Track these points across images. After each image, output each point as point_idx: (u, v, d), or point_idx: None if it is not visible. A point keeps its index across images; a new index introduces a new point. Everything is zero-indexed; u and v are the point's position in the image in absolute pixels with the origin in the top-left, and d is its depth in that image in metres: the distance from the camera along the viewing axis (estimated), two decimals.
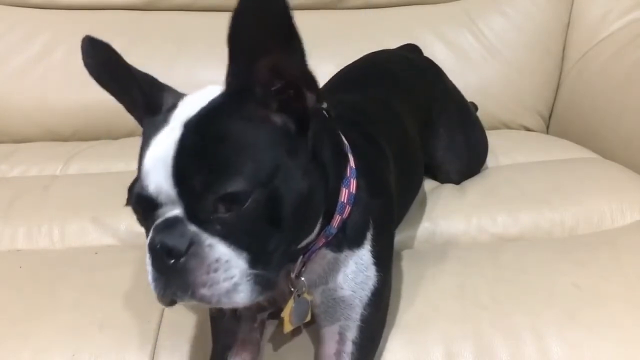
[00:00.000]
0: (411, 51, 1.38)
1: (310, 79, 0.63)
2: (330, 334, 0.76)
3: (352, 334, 0.75)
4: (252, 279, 0.61)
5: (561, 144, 1.43)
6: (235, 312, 0.79)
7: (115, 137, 1.57)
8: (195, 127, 0.62)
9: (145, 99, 0.70)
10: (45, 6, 1.68)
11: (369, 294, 0.76)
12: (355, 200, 0.75)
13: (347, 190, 0.73)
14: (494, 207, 1.08)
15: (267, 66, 0.61)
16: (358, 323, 0.75)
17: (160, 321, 0.85)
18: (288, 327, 0.76)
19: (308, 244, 0.72)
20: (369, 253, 0.77)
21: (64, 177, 1.33)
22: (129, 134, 1.57)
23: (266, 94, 0.63)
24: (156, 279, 0.62)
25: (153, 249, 0.61)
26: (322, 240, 0.73)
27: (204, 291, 0.60)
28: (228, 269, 0.60)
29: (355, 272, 0.76)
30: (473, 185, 1.18)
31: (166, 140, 0.62)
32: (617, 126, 1.35)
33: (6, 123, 1.60)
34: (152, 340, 0.82)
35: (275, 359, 0.80)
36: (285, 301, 0.76)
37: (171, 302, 0.63)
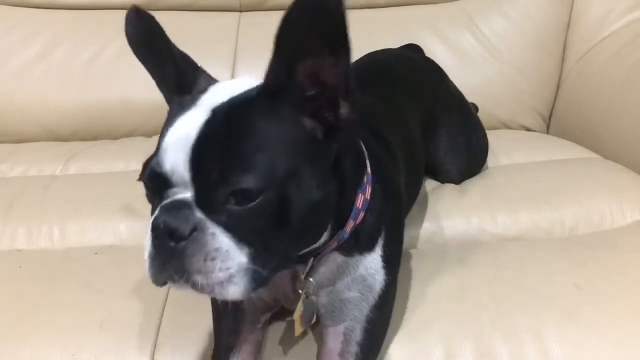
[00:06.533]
0: (413, 51, 1.38)
1: (350, 89, 0.62)
2: (335, 334, 0.76)
3: (357, 335, 0.75)
4: (249, 274, 0.60)
5: (561, 144, 1.43)
6: (238, 312, 0.79)
7: (115, 137, 1.57)
8: (222, 115, 0.62)
9: (179, 77, 0.70)
10: (45, 6, 1.68)
11: (376, 297, 0.76)
12: (369, 206, 0.74)
13: (362, 196, 0.73)
14: (494, 207, 1.08)
15: (309, 69, 0.61)
16: (364, 324, 0.75)
17: (160, 321, 0.85)
18: (299, 329, 0.76)
19: (319, 247, 0.72)
20: (379, 257, 0.77)
21: (64, 177, 1.33)
22: (129, 134, 1.57)
23: (302, 96, 0.63)
24: (154, 258, 0.61)
25: (156, 227, 0.60)
26: (335, 244, 0.73)
27: (199, 278, 0.59)
28: (226, 260, 0.59)
29: (364, 275, 0.76)
30: (473, 185, 1.18)
31: (190, 122, 0.61)
32: (617, 126, 1.35)
33: (6, 123, 1.60)
34: (152, 340, 0.82)
35: (278, 358, 0.80)
36: (289, 302, 0.75)
37: (163, 283, 0.63)
